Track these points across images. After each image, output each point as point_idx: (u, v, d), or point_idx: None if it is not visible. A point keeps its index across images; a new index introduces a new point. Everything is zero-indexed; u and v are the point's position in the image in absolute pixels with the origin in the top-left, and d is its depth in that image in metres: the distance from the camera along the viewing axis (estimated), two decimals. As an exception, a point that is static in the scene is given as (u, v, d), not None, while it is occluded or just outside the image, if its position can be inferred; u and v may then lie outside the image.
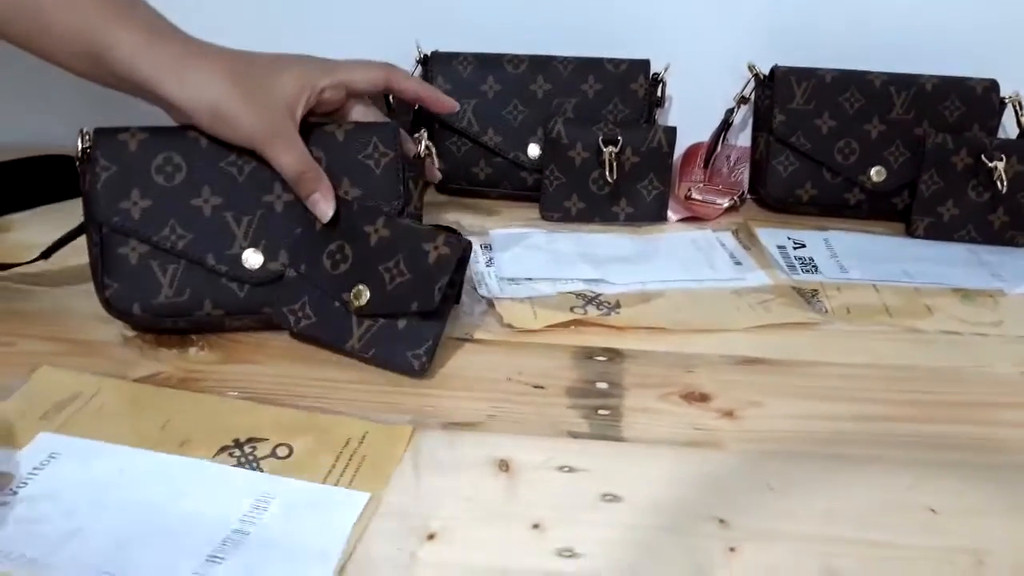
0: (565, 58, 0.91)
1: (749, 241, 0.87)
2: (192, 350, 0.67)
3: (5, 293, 0.72)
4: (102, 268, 0.65)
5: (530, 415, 0.62)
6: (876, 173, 0.90)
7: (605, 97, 0.91)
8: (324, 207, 0.66)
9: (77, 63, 0.65)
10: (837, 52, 0.92)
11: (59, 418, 0.58)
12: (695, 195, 0.94)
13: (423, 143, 0.71)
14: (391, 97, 0.92)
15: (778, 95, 0.90)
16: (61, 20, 0.64)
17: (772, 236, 0.88)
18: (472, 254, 0.81)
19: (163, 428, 0.58)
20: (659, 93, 0.92)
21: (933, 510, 0.55)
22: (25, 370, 0.63)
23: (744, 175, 0.97)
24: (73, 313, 0.70)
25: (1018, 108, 0.90)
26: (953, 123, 0.89)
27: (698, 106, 0.96)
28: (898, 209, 0.91)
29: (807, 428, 0.62)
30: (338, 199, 0.67)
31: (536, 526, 0.52)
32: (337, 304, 0.65)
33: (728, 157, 0.97)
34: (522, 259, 0.81)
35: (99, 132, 0.66)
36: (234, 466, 0.55)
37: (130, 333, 0.68)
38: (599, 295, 0.76)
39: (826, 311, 0.76)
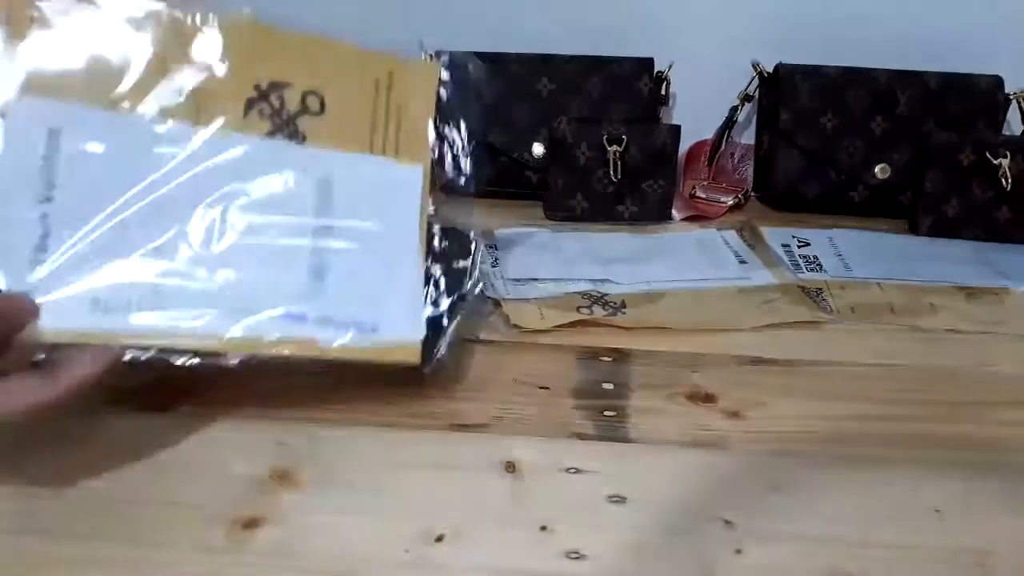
0: (569, 57, 0.91)
1: (754, 239, 0.87)
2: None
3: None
4: None
5: (536, 416, 0.62)
6: (881, 171, 0.90)
7: (609, 96, 0.91)
8: None
9: None
10: (841, 50, 0.92)
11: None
12: (700, 193, 0.94)
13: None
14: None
15: (782, 93, 0.90)
16: None
17: (777, 234, 0.88)
18: (478, 254, 0.81)
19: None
20: (663, 92, 0.93)
21: (938, 510, 0.55)
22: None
23: (748, 173, 0.97)
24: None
25: (1022, 105, 0.90)
26: (958, 120, 0.89)
27: (702, 104, 0.96)
28: (903, 207, 0.91)
29: (812, 428, 0.62)
30: None
31: (543, 528, 0.53)
32: None
33: (732, 155, 0.97)
34: (527, 259, 0.81)
35: None
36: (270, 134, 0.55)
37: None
38: (605, 295, 0.76)
39: (831, 310, 0.76)
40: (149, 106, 0.55)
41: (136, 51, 0.55)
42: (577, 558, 0.51)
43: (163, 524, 0.52)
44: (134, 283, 0.52)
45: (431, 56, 0.91)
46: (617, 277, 0.79)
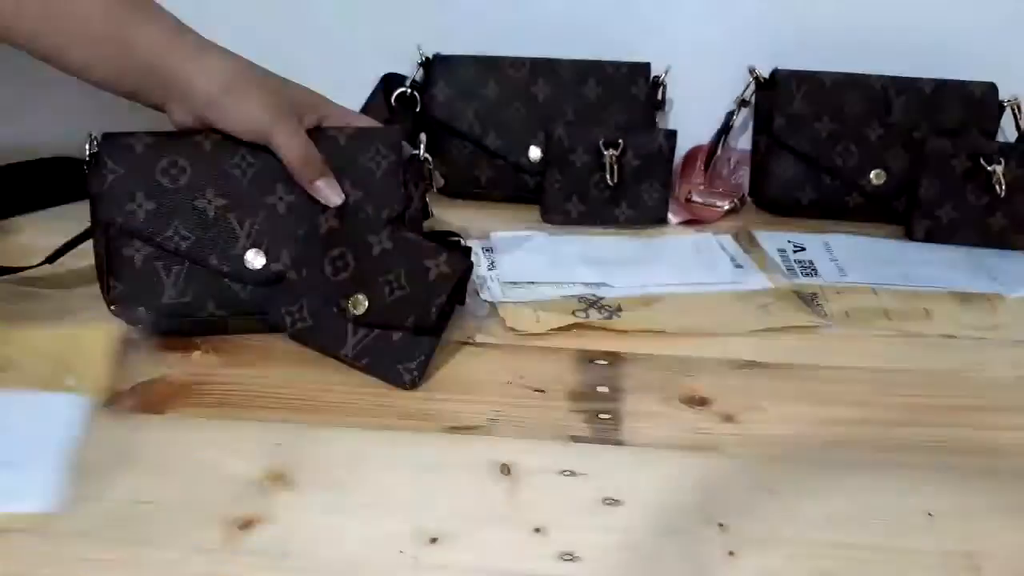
0: (566, 61, 0.92)
1: (749, 244, 0.88)
2: (196, 354, 0.67)
3: (10, 296, 0.73)
4: (108, 269, 0.66)
5: (531, 419, 0.62)
6: (876, 176, 0.90)
7: (606, 100, 0.92)
8: (328, 193, 0.68)
9: (94, 57, 0.66)
10: (837, 55, 0.92)
11: None
12: (696, 198, 0.94)
13: (422, 148, 0.72)
14: (393, 100, 0.93)
15: (778, 98, 0.90)
16: (84, 11, 0.66)
17: (772, 239, 0.89)
18: (474, 257, 0.82)
19: None
20: (660, 96, 0.93)
21: (930, 514, 0.55)
22: (31, 373, 0.64)
23: (744, 178, 0.97)
24: (78, 317, 0.70)
25: (1017, 112, 0.91)
26: (952, 126, 0.90)
27: (698, 109, 0.96)
28: (898, 212, 0.91)
29: (806, 432, 0.62)
30: (346, 204, 0.67)
31: (537, 530, 0.53)
32: (335, 310, 0.65)
33: (728, 160, 0.98)
34: (524, 262, 0.82)
35: (106, 136, 0.67)
36: None
37: (134, 336, 0.69)
38: (601, 298, 0.76)
39: (826, 314, 0.76)
40: None
41: None
42: (571, 560, 0.51)
43: (159, 525, 0.52)
44: None
45: (428, 59, 0.92)
46: (613, 281, 0.79)
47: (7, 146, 0.90)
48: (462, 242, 0.71)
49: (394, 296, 0.64)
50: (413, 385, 0.64)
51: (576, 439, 0.61)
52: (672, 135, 0.89)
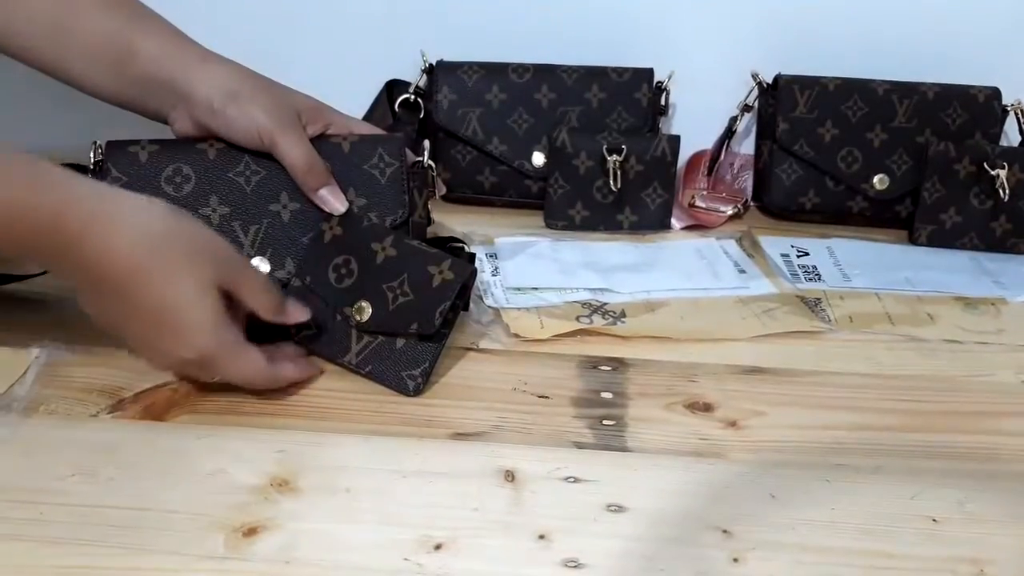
0: (569, 67, 0.92)
1: (753, 249, 0.88)
2: (201, 360, 0.67)
3: (13, 302, 0.73)
4: None
5: (535, 425, 0.62)
6: (879, 181, 0.90)
7: (609, 106, 0.92)
8: (332, 201, 0.68)
9: (95, 68, 0.67)
10: (840, 61, 0.92)
11: None
12: (699, 203, 0.94)
13: (426, 155, 0.72)
14: (396, 107, 0.93)
15: (781, 103, 0.90)
16: (87, 22, 0.67)
17: (776, 244, 0.89)
18: (477, 263, 0.82)
19: None
20: (663, 101, 0.93)
21: (935, 519, 0.55)
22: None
23: (748, 183, 0.97)
24: (82, 323, 0.70)
25: (1020, 116, 0.91)
26: (955, 131, 0.90)
27: (702, 114, 0.96)
28: (901, 217, 0.91)
29: (810, 438, 0.62)
30: (350, 212, 0.68)
31: (542, 536, 0.53)
32: (339, 318, 0.65)
33: (732, 165, 0.98)
34: (528, 268, 0.82)
35: (111, 144, 0.67)
36: None
37: (139, 343, 0.69)
38: (605, 304, 0.77)
39: (830, 319, 0.76)
40: None
41: None
42: (575, 567, 0.51)
43: (163, 532, 0.52)
44: None
45: (431, 65, 0.92)
46: (617, 286, 0.79)
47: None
48: (465, 248, 0.71)
49: (398, 303, 0.64)
50: (417, 392, 0.64)
51: (580, 445, 0.61)
52: (675, 140, 0.89)
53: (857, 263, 0.86)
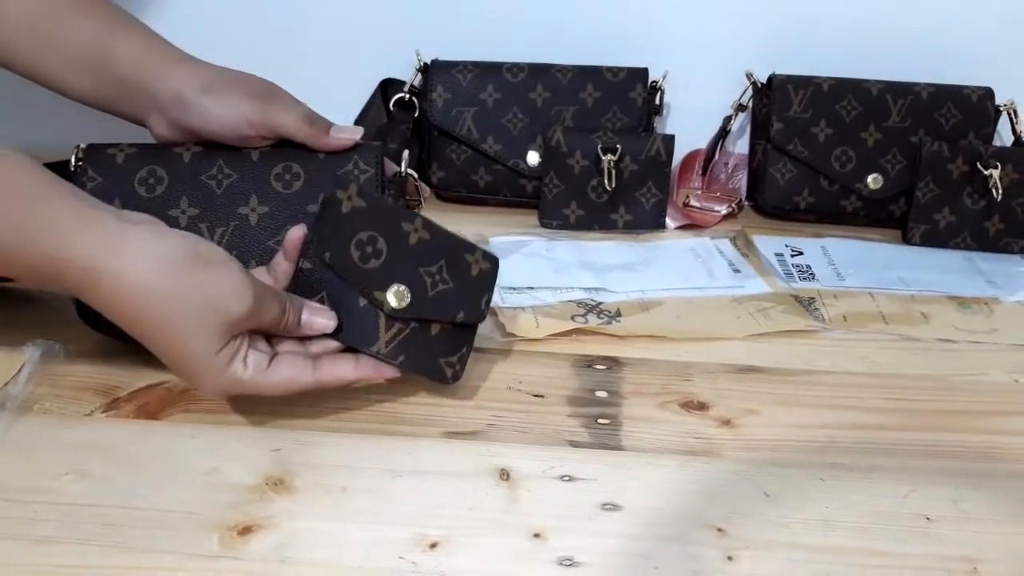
0: (564, 66, 0.92)
1: (747, 249, 0.88)
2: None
3: (6, 301, 0.73)
4: None
5: (530, 424, 0.62)
6: (873, 180, 0.91)
7: (604, 105, 0.92)
8: (348, 135, 0.67)
9: (74, 73, 0.67)
10: (834, 61, 0.92)
11: None
12: (693, 202, 0.94)
13: (404, 164, 0.71)
14: (391, 104, 0.93)
15: (776, 103, 0.90)
16: (64, 26, 0.66)
17: (770, 244, 0.89)
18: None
19: None
20: (657, 101, 0.93)
21: (928, 518, 0.55)
22: (30, 380, 0.64)
23: (742, 182, 0.97)
24: (75, 322, 0.70)
25: (1013, 116, 0.91)
26: (949, 131, 0.90)
27: (696, 114, 0.96)
28: (895, 216, 0.92)
29: (804, 437, 0.62)
30: (369, 186, 0.65)
31: (537, 535, 0.53)
32: (364, 302, 0.60)
33: (726, 164, 0.98)
34: (523, 267, 0.82)
35: (91, 147, 0.67)
36: None
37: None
38: (600, 303, 0.77)
39: (824, 319, 0.76)
40: None
41: None
42: (570, 565, 0.51)
43: (158, 531, 0.52)
44: None
45: (426, 65, 0.92)
46: (612, 285, 0.79)
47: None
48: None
49: (438, 289, 0.60)
50: (455, 379, 0.61)
51: (575, 444, 0.61)
52: (670, 140, 0.89)
53: (851, 262, 0.86)
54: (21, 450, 0.58)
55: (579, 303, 0.77)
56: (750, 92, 0.94)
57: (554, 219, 0.90)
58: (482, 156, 0.92)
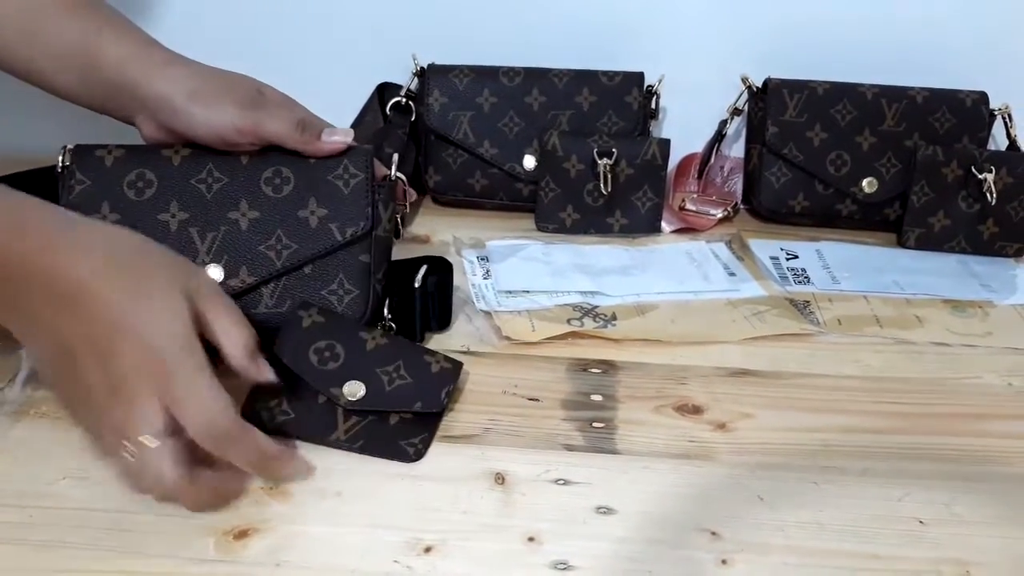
0: (560, 71, 0.92)
1: (742, 252, 0.88)
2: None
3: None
4: None
5: (525, 428, 0.63)
6: (868, 184, 0.91)
7: (600, 109, 0.92)
8: (341, 138, 0.67)
9: (64, 73, 0.67)
10: (829, 65, 0.93)
11: None
12: (689, 206, 0.95)
13: (394, 168, 0.71)
14: (388, 110, 0.93)
15: (771, 107, 0.91)
16: (54, 27, 0.66)
17: (765, 247, 0.89)
18: (468, 266, 0.82)
19: None
20: (653, 105, 0.93)
21: (922, 521, 0.56)
22: (26, 384, 0.64)
23: (737, 186, 0.98)
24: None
25: (1007, 120, 0.91)
26: (944, 135, 0.90)
27: (692, 118, 0.97)
28: (890, 220, 0.92)
29: (798, 440, 0.63)
30: (326, 309, 0.66)
31: (531, 539, 0.53)
32: (322, 400, 0.62)
33: (722, 168, 0.98)
34: (519, 271, 0.82)
35: (79, 148, 0.67)
36: None
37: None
38: (596, 307, 0.77)
39: (819, 322, 0.77)
40: None
41: None
42: (564, 569, 0.51)
43: (154, 535, 0.52)
44: None
45: (422, 69, 0.92)
46: (608, 289, 0.79)
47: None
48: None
49: (395, 384, 0.62)
50: (419, 456, 0.60)
51: (570, 448, 0.61)
52: (665, 144, 0.89)
53: (846, 266, 0.86)
54: (19, 454, 0.58)
55: (575, 307, 0.77)
56: (745, 96, 0.94)
57: (550, 223, 0.90)
58: (478, 160, 0.92)
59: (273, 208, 0.67)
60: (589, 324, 0.74)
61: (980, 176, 0.87)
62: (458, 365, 0.64)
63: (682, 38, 0.95)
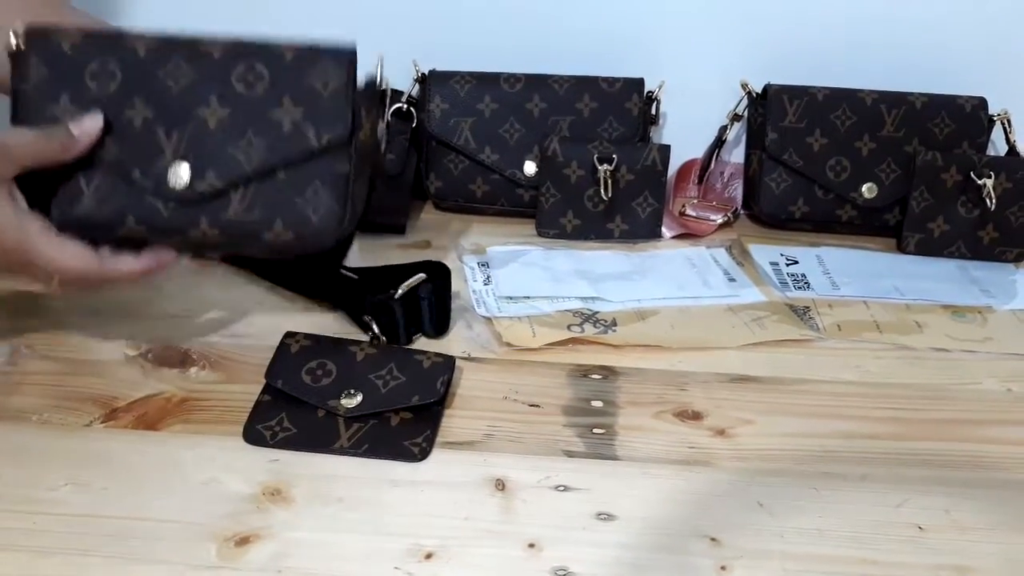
0: (561, 77, 0.92)
1: (742, 258, 0.88)
2: (193, 370, 0.68)
3: (4, 311, 0.73)
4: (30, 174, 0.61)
5: (526, 434, 0.63)
6: (867, 190, 0.91)
7: (600, 115, 0.92)
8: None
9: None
10: (829, 71, 0.93)
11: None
12: (689, 211, 0.95)
13: (380, 74, 0.68)
14: (388, 114, 0.94)
15: (771, 113, 0.91)
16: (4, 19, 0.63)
17: (765, 253, 0.89)
18: (469, 272, 0.82)
19: None
20: (653, 111, 0.94)
21: (920, 527, 0.56)
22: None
23: (738, 191, 0.98)
24: (74, 332, 0.71)
25: (1006, 126, 0.91)
26: (943, 140, 0.91)
27: (692, 124, 0.97)
28: (889, 225, 0.92)
29: (797, 446, 0.63)
30: (312, 334, 0.67)
31: (531, 545, 0.53)
32: (323, 413, 0.62)
33: (722, 174, 0.98)
34: (520, 276, 0.82)
35: (32, 31, 0.62)
36: None
37: (132, 352, 0.69)
38: (596, 313, 0.77)
39: (818, 328, 0.77)
40: None
41: None
42: (565, 575, 0.51)
43: (156, 542, 0.53)
44: None
45: (424, 75, 0.93)
46: (608, 295, 0.80)
47: None
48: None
49: (390, 386, 0.63)
50: (424, 456, 0.60)
51: (570, 454, 0.61)
52: (666, 150, 0.90)
53: (846, 271, 0.86)
54: (20, 461, 0.58)
55: (575, 313, 0.77)
56: (745, 102, 0.94)
57: (551, 229, 0.91)
58: (479, 166, 0.92)
59: (244, 106, 0.63)
60: (589, 330, 0.74)
61: (979, 181, 0.87)
62: (450, 359, 0.65)
63: (682, 44, 0.95)
